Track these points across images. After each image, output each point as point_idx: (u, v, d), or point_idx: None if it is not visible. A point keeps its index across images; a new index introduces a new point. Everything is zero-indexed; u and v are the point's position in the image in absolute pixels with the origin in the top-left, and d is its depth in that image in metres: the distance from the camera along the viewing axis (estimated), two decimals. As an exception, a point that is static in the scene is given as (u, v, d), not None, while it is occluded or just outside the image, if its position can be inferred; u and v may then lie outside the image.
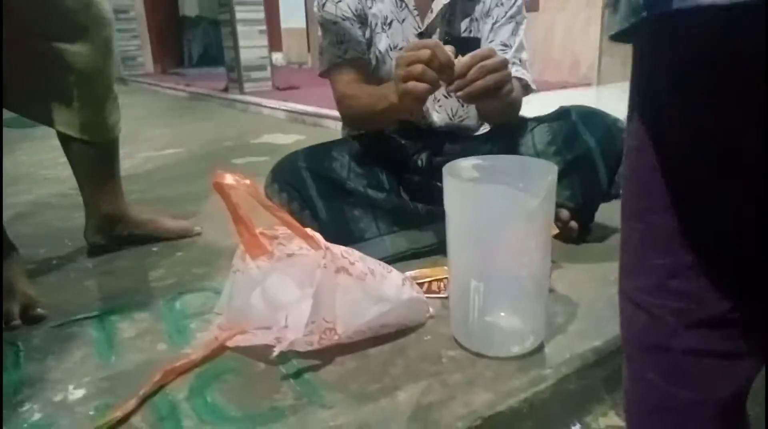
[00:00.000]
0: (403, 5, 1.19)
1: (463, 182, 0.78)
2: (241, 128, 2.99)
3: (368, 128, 1.22)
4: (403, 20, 1.20)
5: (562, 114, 1.25)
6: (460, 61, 0.90)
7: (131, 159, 2.28)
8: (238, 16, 3.80)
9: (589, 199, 1.16)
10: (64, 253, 1.29)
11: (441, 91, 1.23)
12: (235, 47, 3.85)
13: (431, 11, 1.18)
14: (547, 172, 0.73)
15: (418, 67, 0.89)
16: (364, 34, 1.20)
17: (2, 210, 1.08)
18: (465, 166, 0.84)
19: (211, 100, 4.15)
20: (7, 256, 1.04)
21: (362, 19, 1.19)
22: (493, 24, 1.21)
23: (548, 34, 3.90)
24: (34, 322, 0.96)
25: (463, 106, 1.27)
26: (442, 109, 1.27)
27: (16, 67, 1.07)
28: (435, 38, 1.20)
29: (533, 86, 1.24)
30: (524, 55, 1.24)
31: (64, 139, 1.19)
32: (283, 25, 7.52)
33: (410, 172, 1.23)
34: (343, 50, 1.18)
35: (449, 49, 0.90)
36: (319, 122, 2.92)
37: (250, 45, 3.90)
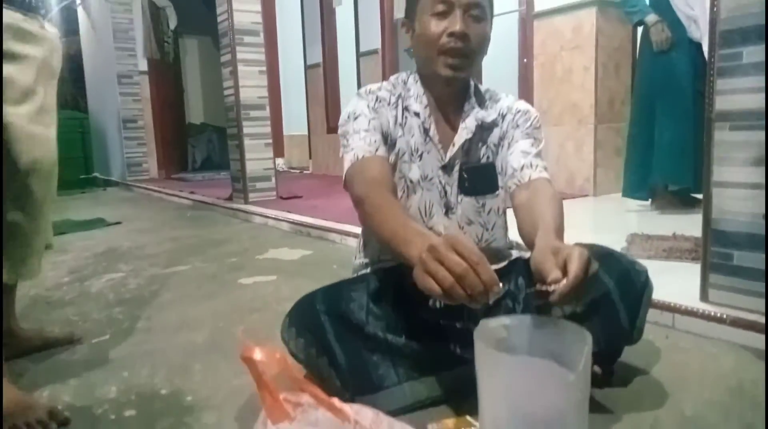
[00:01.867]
0: (429, 139, 1.24)
1: (497, 353, 0.76)
2: (246, 241, 3.00)
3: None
4: (429, 152, 1.24)
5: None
6: (576, 278, 0.81)
7: (137, 278, 2.27)
8: (246, 130, 3.95)
9: (611, 343, 1.14)
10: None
11: (466, 217, 1.25)
12: (242, 159, 3.96)
13: (453, 145, 1.23)
14: (582, 340, 0.73)
15: (448, 279, 0.77)
16: (389, 154, 1.22)
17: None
18: (495, 327, 0.83)
19: (216, 209, 4.21)
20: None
21: (389, 142, 1.22)
22: (510, 142, 1.25)
23: (544, 148, 4.03)
24: (66, 425, 1.09)
25: (488, 229, 1.28)
26: (468, 235, 1.27)
27: None
28: (456, 169, 1.24)
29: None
30: (545, 163, 1.25)
31: None
32: (286, 132, 7.80)
33: (429, 311, 1.21)
34: (374, 148, 1.17)
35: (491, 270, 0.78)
36: (324, 235, 2.94)
37: (256, 157, 4.02)
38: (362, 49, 5.77)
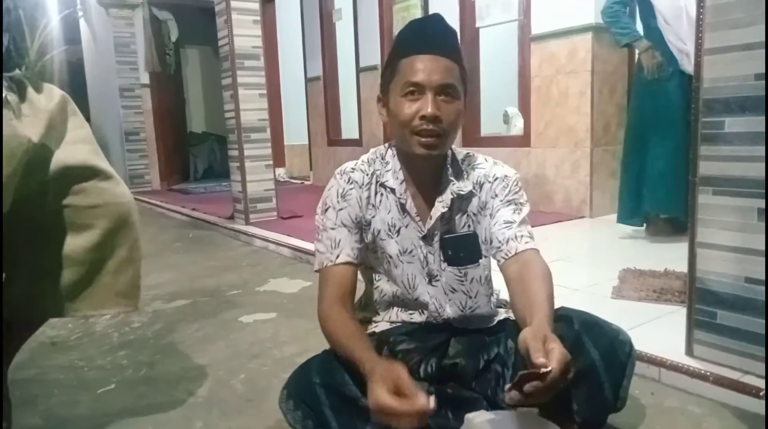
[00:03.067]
0: (406, 213, 1.27)
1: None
2: (246, 270, 3.06)
3: None
4: (407, 225, 1.28)
5: (564, 318, 1.29)
6: (553, 379, 0.88)
7: (140, 315, 2.32)
8: (247, 152, 4.00)
9: (595, 414, 1.19)
10: None
11: (449, 286, 1.30)
12: (243, 181, 4.02)
13: (430, 218, 1.26)
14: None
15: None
16: (360, 241, 1.27)
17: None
18: (480, 423, 0.88)
19: (217, 229, 4.26)
20: None
21: (360, 226, 1.27)
22: (491, 213, 1.27)
23: (540, 169, 4.09)
24: None
25: (471, 297, 1.32)
26: (452, 302, 1.31)
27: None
28: (436, 238, 1.28)
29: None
30: (530, 228, 1.27)
31: None
32: (286, 142, 7.85)
33: (420, 378, 1.26)
34: (336, 255, 1.23)
35: (429, 402, 0.90)
36: (323, 264, 2.99)
37: (257, 178, 4.07)
38: (362, 64, 5.82)
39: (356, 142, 6.02)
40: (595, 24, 3.59)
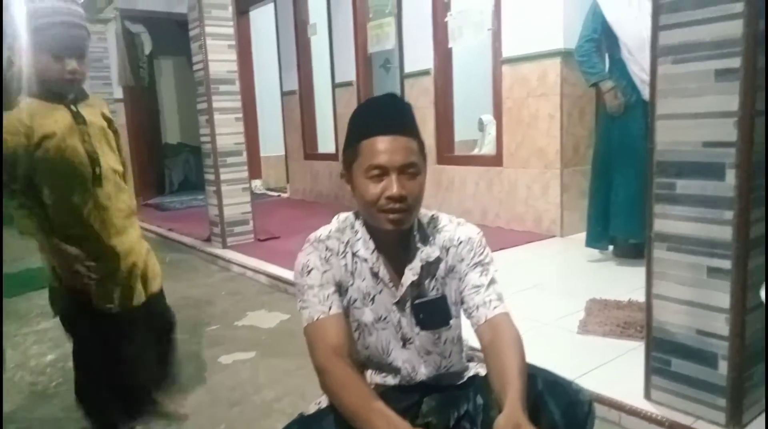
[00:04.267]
0: (379, 280, 1.31)
1: None
2: (225, 300, 3.09)
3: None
4: (381, 291, 1.31)
5: (529, 376, 1.37)
6: None
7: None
8: (223, 176, 4.02)
9: (558, 470, 1.27)
10: None
11: (424, 348, 1.35)
12: (219, 205, 4.04)
13: (402, 285, 1.30)
14: None
15: None
16: (343, 301, 1.30)
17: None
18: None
19: (195, 252, 4.27)
20: None
21: (341, 291, 1.30)
22: (459, 278, 1.32)
23: (512, 188, 4.20)
24: None
25: (445, 357, 1.39)
26: (427, 363, 1.37)
27: None
28: (408, 304, 1.31)
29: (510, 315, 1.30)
30: (497, 287, 1.31)
31: None
32: (263, 153, 7.86)
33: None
34: (328, 306, 1.25)
35: None
36: (300, 293, 3.04)
37: (234, 202, 4.09)
38: (338, 80, 5.86)
39: (333, 157, 6.06)
40: (563, 49, 3.70)
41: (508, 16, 4.04)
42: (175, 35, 7.20)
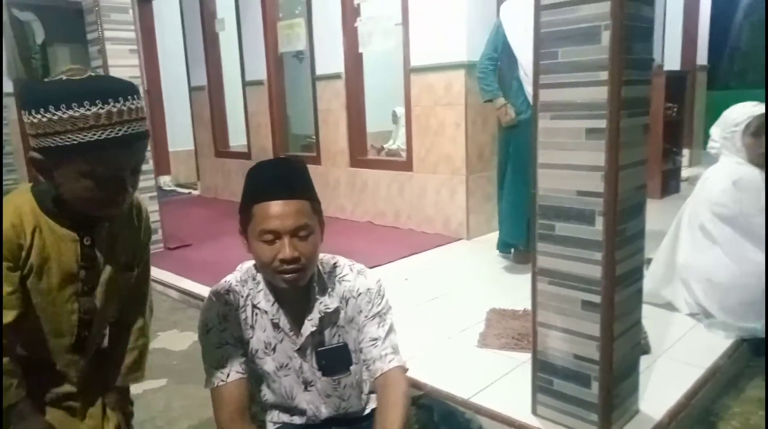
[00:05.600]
0: (280, 329, 1.37)
1: None
2: (134, 319, 3.03)
3: None
4: (282, 340, 1.38)
5: (426, 407, 1.50)
6: None
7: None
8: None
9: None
10: None
11: (324, 392, 1.43)
12: (125, 215, 3.91)
13: (301, 335, 1.37)
14: None
15: None
16: (244, 354, 1.36)
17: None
18: None
19: (99, 263, 4.12)
20: None
21: (242, 343, 1.37)
22: (358, 328, 1.41)
23: (422, 192, 4.36)
24: None
25: (344, 400, 1.48)
26: (327, 405, 1.47)
27: None
28: (309, 350, 1.38)
29: (406, 366, 1.41)
30: (394, 337, 1.42)
31: None
32: (171, 148, 7.60)
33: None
34: (226, 374, 1.32)
35: None
36: (213, 309, 3.04)
37: (141, 212, 3.97)
38: (248, 77, 5.77)
39: (245, 155, 5.99)
40: (467, 62, 3.87)
41: (415, 27, 4.15)
42: (70, 21, 6.74)
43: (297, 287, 1.34)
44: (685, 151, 6.52)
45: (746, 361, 2.31)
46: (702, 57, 6.79)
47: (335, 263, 1.45)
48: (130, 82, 1.14)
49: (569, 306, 1.69)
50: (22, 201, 1.18)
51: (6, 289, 1.14)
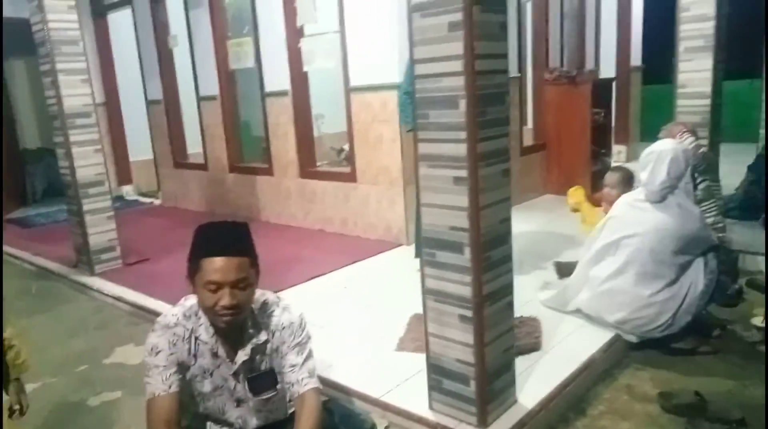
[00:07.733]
0: (218, 357, 1.66)
1: None
2: (93, 335, 3.31)
3: None
4: (219, 366, 1.67)
5: (328, 411, 1.82)
6: None
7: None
8: (86, 207, 4.13)
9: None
10: None
11: (255, 408, 1.72)
12: (84, 235, 4.14)
13: (236, 362, 1.67)
14: None
15: None
16: (184, 378, 1.66)
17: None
18: None
19: (62, 280, 4.37)
20: None
21: (182, 368, 1.66)
22: (281, 356, 1.70)
23: (365, 201, 4.69)
24: None
25: (272, 413, 1.77)
26: (258, 417, 1.75)
27: None
28: (242, 375, 1.68)
29: (320, 387, 1.70)
30: (311, 363, 1.70)
31: None
32: (132, 158, 7.77)
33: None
34: (168, 385, 1.59)
35: None
36: (167, 322, 3.33)
37: (99, 231, 4.21)
38: (202, 93, 5.99)
39: (202, 167, 6.23)
40: (399, 83, 4.18)
41: (352, 48, 4.45)
42: (25, 35, 6.83)
43: (233, 324, 1.64)
44: (623, 148, 6.99)
45: (624, 353, 2.70)
46: (636, 58, 7.21)
47: (265, 301, 1.74)
48: None
49: (450, 319, 2.04)
50: None
51: None
